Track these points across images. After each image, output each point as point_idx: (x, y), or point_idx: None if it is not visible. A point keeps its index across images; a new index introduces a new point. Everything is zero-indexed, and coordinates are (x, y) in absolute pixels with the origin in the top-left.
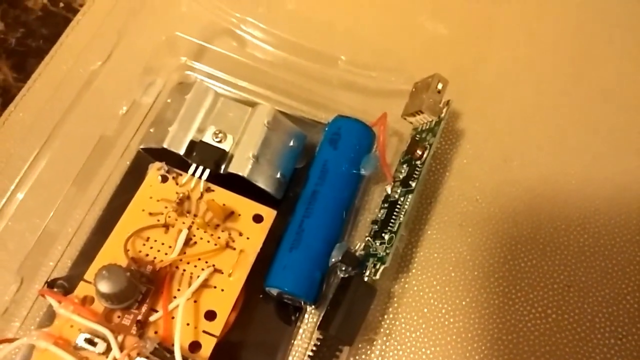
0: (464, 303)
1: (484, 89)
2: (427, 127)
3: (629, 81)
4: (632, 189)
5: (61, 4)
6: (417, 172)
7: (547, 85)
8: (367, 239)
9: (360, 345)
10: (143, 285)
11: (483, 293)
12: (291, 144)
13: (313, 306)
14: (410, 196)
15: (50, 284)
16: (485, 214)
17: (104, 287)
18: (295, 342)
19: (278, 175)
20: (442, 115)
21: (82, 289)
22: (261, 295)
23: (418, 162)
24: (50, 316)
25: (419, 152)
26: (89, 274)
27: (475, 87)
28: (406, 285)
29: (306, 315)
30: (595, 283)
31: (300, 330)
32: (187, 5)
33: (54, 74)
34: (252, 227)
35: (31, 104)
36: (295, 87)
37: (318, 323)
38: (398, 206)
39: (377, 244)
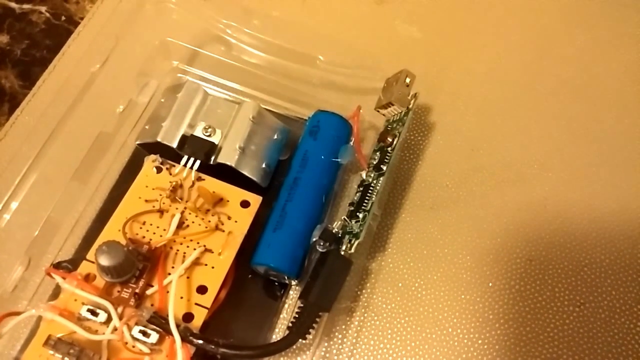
0: (435, 277)
1: (454, 86)
2: (397, 117)
3: (587, 75)
4: (588, 173)
5: (63, 17)
6: (387, 157)
7: (511, 81)
8: (343, 218)
9: (340, 317)
10: (140, 262)
11: (452, 268)
12: (275, 137)
13: (296, 281)
14: (381, 179)
15: (56, 266)
16: (454, 198)
17: (104, 260)
18: (282, 316)
19: (263, 165)
20: (410, 106)
21: (84, 267)
22: (250, 275)
23: (389, 149)
24: (55, 295)
25: (389, 139)
26: (91, 254)
27: (445, 84)
28: (382, 263)
29: (291, 292)
30: (555, 257)
31: (286, 305)
32: (178, 14)
33: (57, 80)
34: (239, 212)
35: (36, 108)
36: (280, 86)
37: (300, 293)
38: (371, 188)
39: (353, 222)
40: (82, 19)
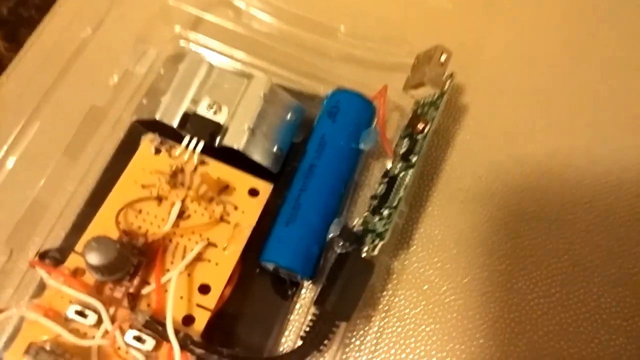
0: (465, 281)
1: (489, 64)
2: (430, 100)
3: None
4: None
5: None
6: (418, 147)
7: (553, 60)
8: (365, 214)
9: (358, 322)
10: (135, 258)
11: (485, 271)
12: (288, 117)
13: (310, 281)
14: (410, 171)
15: (42, 255)
16: (487, 191)
17: (93, 258)
18: (292, 317)
19: (275, 149)
20: (445, 88)
21: (72, 261)
22: (258, 270)
23: (419, 137)
24: (41, 290)
25: (421, 126)
26: (80, 246)
27: (479, 62)
28: (406, 262)
29: (303, 290)
30: (602, 262)
31: (297, 306)
32: None
33: (46, 44)
34: (247, 201)
35: (23, 75)
36: (294, 59)
37: (315, 298)
38: (398, 181)
39: (376, 219)
40: None
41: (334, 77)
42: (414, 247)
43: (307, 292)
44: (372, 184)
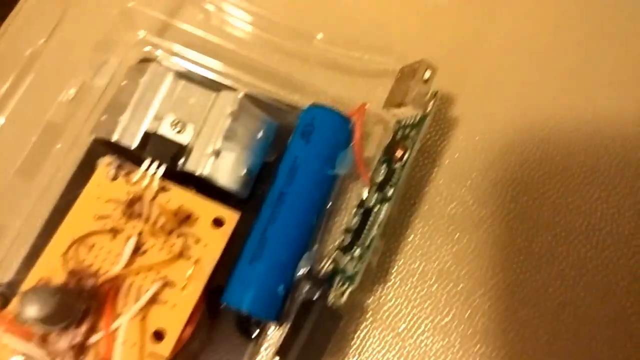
0: (445, 321)
1: (484, 71)
2: (411, 122)
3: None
4: None
5: None
6: (395, 178)
7: (553, 69)
8: (336, 252)
9: None
10: (83, 303)
11: (467, 310)
12: (259, 135)
13: (276, 324)
14: (385, 205)
15: None
16: (476, 218)
17: (30, 312)
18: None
19: (243, 172)
20: (428, 110)
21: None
22: (221, 306)
23: (397, 165)
24: None
25: (399, 153)
26: (26, 286)
27: (474, 69)
28: (382, 299)
29: (270, 331)
30: (595, 300)
31: (263, 348)
32: None
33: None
34: (211, 233)
35: None
36: (269, 67)
37: (278, 347)
38: (372, 216)
39: (347, 259)
40: None
41: (313, 87)
42: (391, 281)
43: (275, 332)
44: (350, 208)
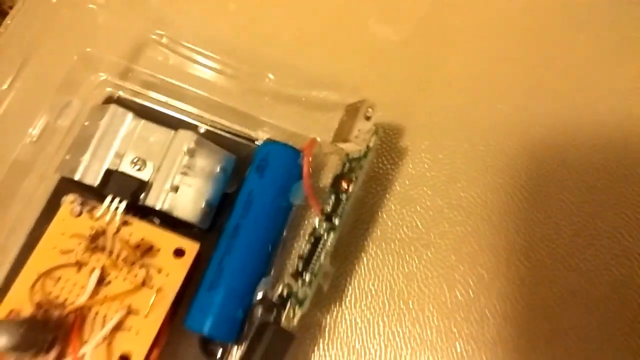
0: (397, 337)
1: (431, 103)
2: (357, 156)
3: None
4: (597, 215)
5: None
6: (340, 209)
7: (503, 101)
8: (289, 277)
9: None
10: (49, 333)
11: (417, 326)
12: (218, 169)
13: (236, 344)
14: (332, 234)
15: None
16: (424, 241)
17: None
18: None
19: (203, 205)
20: (370, 145)
21: None
22: (185, 330)
23: (343, 197)
24: None
25: (345, 185)
26: None
27: (422, 102)
28: (338, 318)
29: (234, 351)
30: (534, 319)
31: None
32: (104, 19)
33: None
34: (172, 263)
35: None
36: (227, 105)
37: None
38: (321, 244)
39: (299, 284)
40: None
41: (268, 119)
42: (346, 301)
43: (237, 351)
44: (306, 234)
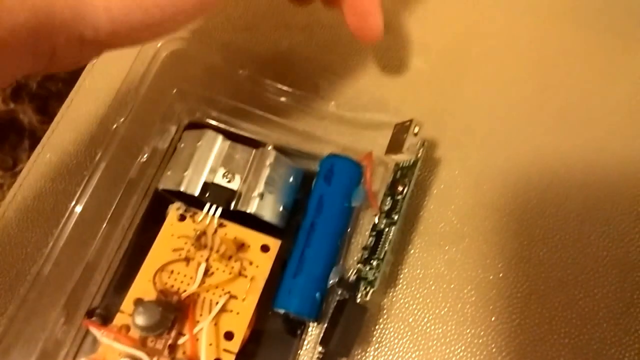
0: (442, 313)
1: (459, 120)
2: (407, 165)
3: (601, 96)
4: (597, 208)
5: None
6: (398, 207)
7: (515, 117)
8: (358, 265)
9: (357, 355)
10: (172, 314)
11: (458, 303)
12: (291, 180)
13: (315, 322)
14: (393, 227)
15: (90, 313)
16: (459, 234)
17: (141, 320)
18: (301, 353)
19: (281, 209)
20: (419, 155)
21: (119, 319)
22: (270, 313)
23: (399, 197)
24: (93, 342)
25: (400, 188)
26: (125, 306)
27: (451, 118)
28: (394, 299)
29: (310, 329)
30: (552, 291)
31: (305, 342)
32: (193, 60)
33: (75, 116)
34: (260, 257)
35: (57, 146)
36: (293, 127)
37: (320, 339)
38: (384, 236)
39: (367, 269)
40: None
41: (329, 138)
42: (400, 285)
43: (313, 330)
44: (363, 232)
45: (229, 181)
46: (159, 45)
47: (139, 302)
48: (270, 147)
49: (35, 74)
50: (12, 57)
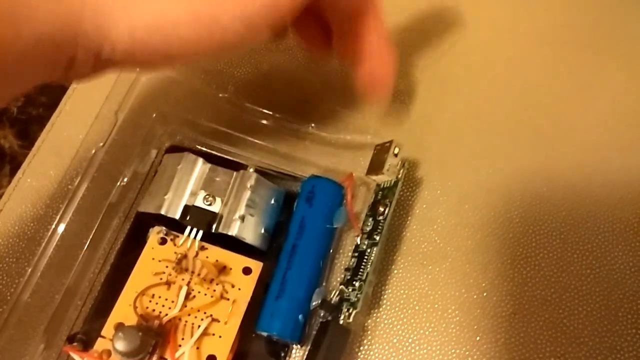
0: (427, 333)
1: (439, 140)
2: (388, 185)
3: (581, 113)
4: (579, 226)
5: None
6: (380, 227)
7: (495, 136)
8: (340, 286)
9: None
10: (152, 339)
11: (442, 323)
12: (272, 202)
13: (299, 345)
14: (375, 248)
15: (71, 339)
16: (442, 253)
17: (121, 346)
18: None
19: (262, 231)
20: (399, 176)
21: (100, 344)
22: (253, 335)
23: (381, 218)
24: None
25: (381, 208)
26: (106, 331)
27: (432, 139)
28: (378, 320)
29: (293, 352)
30: (536, 310)
31: None
32: (175, 84)
33: (56, 141)
34: (242, 279)
35: (38, 171)
36: (275, 149)
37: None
38: (365, 257)
39: (350, 290)
40: None
41: (308, 159)
42: (384, 306)
43: (297, 352)
44: (346, 253)
45: (209, 204)
46: (138, 69)
47: (119, 327)
48: (251, 170)
49: (18, 99)
50: (34, 65)
